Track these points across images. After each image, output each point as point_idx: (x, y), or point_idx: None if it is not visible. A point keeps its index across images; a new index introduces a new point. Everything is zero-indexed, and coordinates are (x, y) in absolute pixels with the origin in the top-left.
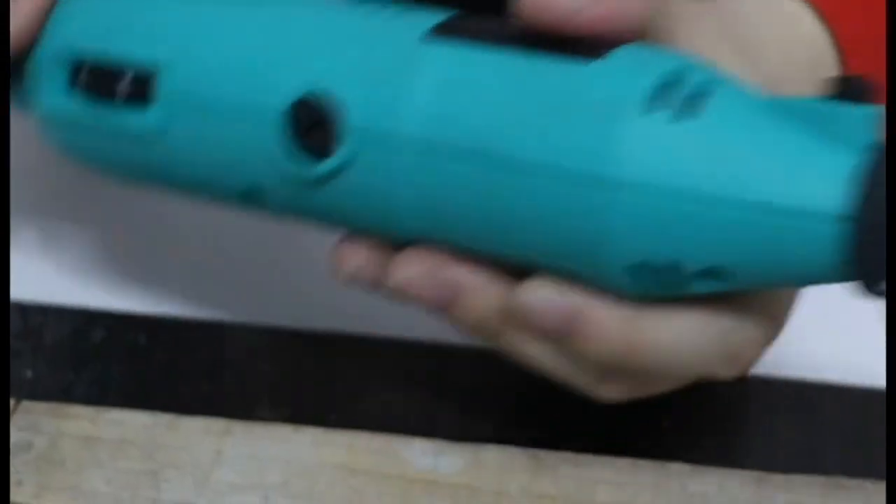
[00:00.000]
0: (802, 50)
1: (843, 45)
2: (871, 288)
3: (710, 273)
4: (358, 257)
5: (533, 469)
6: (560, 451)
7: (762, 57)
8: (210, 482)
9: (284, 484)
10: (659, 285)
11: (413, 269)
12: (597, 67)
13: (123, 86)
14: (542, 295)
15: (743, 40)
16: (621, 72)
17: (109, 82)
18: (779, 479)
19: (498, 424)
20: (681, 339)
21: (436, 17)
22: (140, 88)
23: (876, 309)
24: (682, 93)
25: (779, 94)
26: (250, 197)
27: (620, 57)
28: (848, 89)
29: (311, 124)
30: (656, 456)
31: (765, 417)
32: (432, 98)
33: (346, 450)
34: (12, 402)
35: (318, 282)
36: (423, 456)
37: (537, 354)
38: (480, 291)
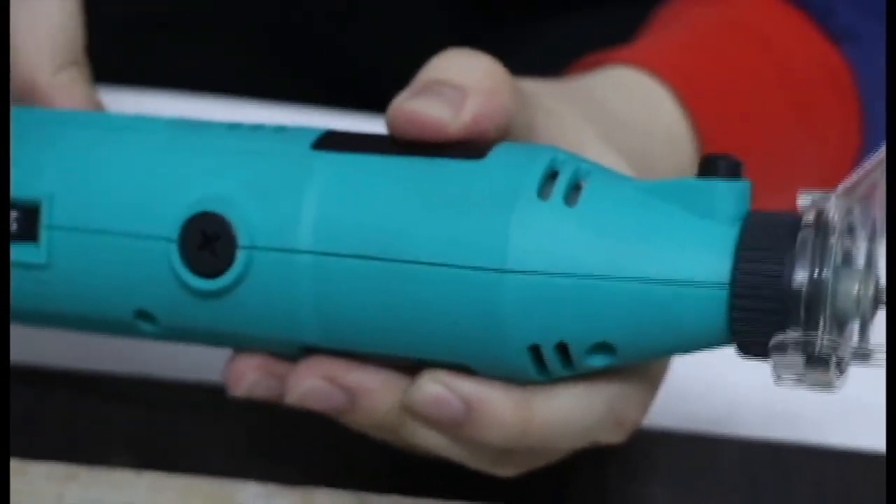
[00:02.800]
0: (662, 131)
1: (701, 128)
2: (750, 349)
3: (600, 348)
4: (252, 374)
5: None
6: (387, 494)
7: (624, 138)
8: None
9: None
10: (553, 364)
11: (310, 381)
12: (482, 165)
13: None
14: (434, 390)
15: (605, 123)
16: (508, 166)
17: None
18: None
19: (330, 469)
20: (571, 415)
21: (313, 132)
22: (26, 224)
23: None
24: (563, 181)
25: (641, 173)
26: (140, 320)
27: (501, 154)
28: (715, 167)
29: (203, 243)
30: (482, 499)
31: (592, 462)
32: (322, 208)
33: (181, 494)
34: None
35: None
36: (255, 498)
37: (435, 444)
38: (377, 393)
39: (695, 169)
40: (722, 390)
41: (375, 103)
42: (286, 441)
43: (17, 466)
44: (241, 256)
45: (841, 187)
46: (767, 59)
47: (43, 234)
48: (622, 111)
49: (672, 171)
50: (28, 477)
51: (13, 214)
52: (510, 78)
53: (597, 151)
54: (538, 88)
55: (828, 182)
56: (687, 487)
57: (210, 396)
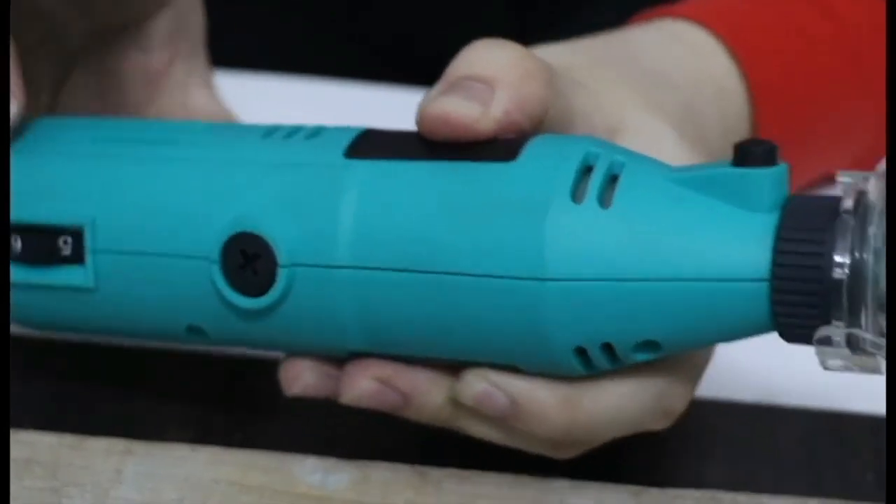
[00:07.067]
0: (710, 83)
1: (752, 80)
2: (795, 338)
3: (645, 346)
4: (306, 375)
5: (418, 484)
6: (445, 468)
7: (666, 95)
8: (109, 499)
9: (180, 500)
10: (600, 362)
11: (363, 383)
12: (514, 167)
13: (54, 247)
14: (480, 387)
15: (645, 82)
16: (540, 167)
17: (41, 246)
18: (654, 492)
19: (389, 443)
20: (617, 410)
21: (348, 135)
22: (74, 248)
23: None
24: (597, 180)
25: (686, 126)
26: (193, 334)
27: (532, 153)
28: (751, 154)
29: (244, 263)
30: (540, 473)
31: (650, 433)
32: (357, 221)
33: (239, 468)
34: None
35: None
36: (313, 473)
37: (487, 435)
38: (429, 392)
39: (744, 122)
40: (780, 363)
41: (432, 79)
42: (342, 416)
43: (74, 442)
44: (282, 275)
45: (880, 167)
46: (821, 13)
47: (88, 258)
48: (664, 64)
49: (719, 122)
50: (86, 452)
51: (58, 237)
52: (542, 65)
53: (638, 121)
54: (573, 61)
55: (884, 138)
56: (745, 457)
57: (266, 373)
